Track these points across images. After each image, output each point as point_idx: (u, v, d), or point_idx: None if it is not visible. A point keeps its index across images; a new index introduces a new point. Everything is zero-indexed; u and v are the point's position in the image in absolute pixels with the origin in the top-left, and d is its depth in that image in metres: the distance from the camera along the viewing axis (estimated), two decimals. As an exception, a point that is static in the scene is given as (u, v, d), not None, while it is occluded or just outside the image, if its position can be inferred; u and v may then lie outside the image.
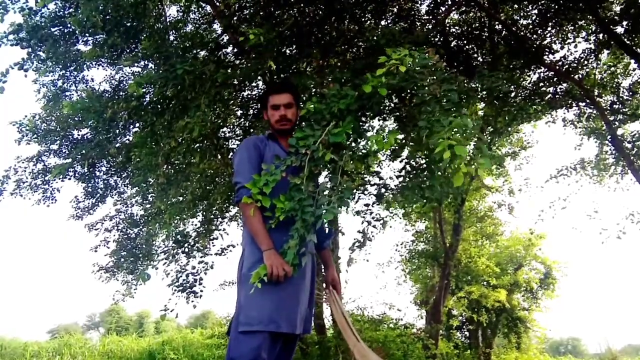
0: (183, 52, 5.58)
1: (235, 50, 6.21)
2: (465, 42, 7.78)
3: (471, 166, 1.79)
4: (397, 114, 2.15)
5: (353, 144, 2.27)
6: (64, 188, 9.11)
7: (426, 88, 2.02)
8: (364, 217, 2.46)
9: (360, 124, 2.25)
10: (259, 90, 7.59)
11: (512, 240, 18.43)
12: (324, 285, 2.62)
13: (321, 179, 2.44)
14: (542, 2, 7.98)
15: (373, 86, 2.05)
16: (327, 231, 2.63)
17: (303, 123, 2.43)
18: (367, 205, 2.48)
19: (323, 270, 2.68)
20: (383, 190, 2.52)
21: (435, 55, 2.17)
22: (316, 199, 2.18)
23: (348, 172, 2.23)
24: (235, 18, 6.37)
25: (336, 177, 2.12)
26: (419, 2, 7.98)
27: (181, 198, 8.34)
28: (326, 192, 2.18)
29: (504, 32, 7.76)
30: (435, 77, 2.07)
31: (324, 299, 2.62)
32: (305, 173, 2.16)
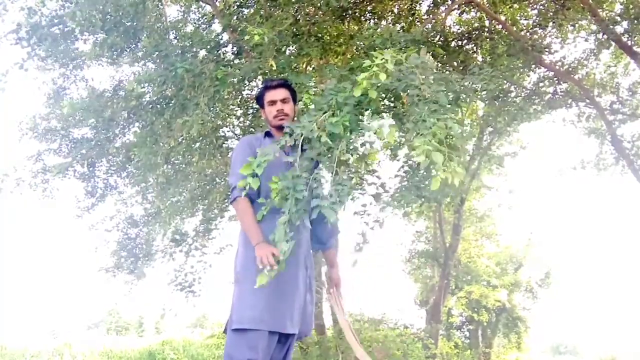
0: (183, 51, 5.59)
1: (235, 49, 6.22)
2: (465, 42, 7.78)
3: (448, 172, 1.77)
4: (395, 111, 2.14)
5: (349, 134, 2.23)
6: (63, 188, 9.12)
7: (417, 89, 2.00)
8: (361, 217, 2.44)
9: (359, 119, 2.23)
10: (258, 90, 7.60)
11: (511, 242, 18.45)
12: (327, 285, 2.61)
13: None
14: (542, 2, 7.98)
15: (363, 88, 2.04)
16: (330, 230, 2.61)
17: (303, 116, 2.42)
18: (364, 205, 2.47)
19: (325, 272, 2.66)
20: (381, 189, 2.51)
21: (427, 54, 2.15)
22: (309, 184, 2.14)
23: (345, 161, 2.20)
24: (235, 17, 6.38)
25: (332, 166, 2.09)
26: (419, 2, 7.99)
27: (181, 197, 8.36)
28: (324, 184, 2.15)
29: (504, 32, 7.76)
30: (425, 77, 2.06)
31: (327, 298, 2.60)
32: (298, 152, 2.13)
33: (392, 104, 2.22)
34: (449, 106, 2.00)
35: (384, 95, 2.17)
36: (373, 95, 2.04)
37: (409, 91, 2.03)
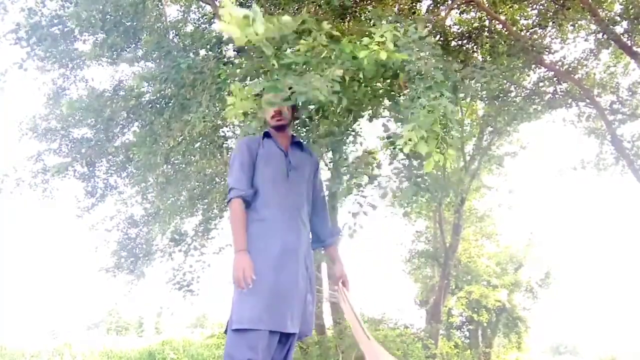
0: (184, 49, 5.59)
1: (236, 48, 6.21)
2: (465, 41, 7.77)
3: (442, 155, 1.76)
4: (392, 94, 2.11)
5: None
6: (63, 188, 9.11)
7: (413, 64, 1.97)
8: (355, 196, 2.42)
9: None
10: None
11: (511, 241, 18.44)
12: (333, 282, 2.60)
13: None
14: (542, 2, 7.98)
15: (360, 58, 2.00)
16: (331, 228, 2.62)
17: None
18: (359, 185, 2.45)
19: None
20: (377, 171, 2.50)
21: (424, 29, 2.13)
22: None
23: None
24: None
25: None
26: (420, 1, 7.98)
27: (180, 197, 8.36)
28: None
29: (504, 31, 7.75)
30: (422, 52, 2.03)
31: (333, 296, 2.60)
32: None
33: (388, 84, 2.20)
34: (444, 82, 1.98)
35: (382, 69, 2.12)
36: (370, 67, 1.99)
37: (405, 67, 2.01)
